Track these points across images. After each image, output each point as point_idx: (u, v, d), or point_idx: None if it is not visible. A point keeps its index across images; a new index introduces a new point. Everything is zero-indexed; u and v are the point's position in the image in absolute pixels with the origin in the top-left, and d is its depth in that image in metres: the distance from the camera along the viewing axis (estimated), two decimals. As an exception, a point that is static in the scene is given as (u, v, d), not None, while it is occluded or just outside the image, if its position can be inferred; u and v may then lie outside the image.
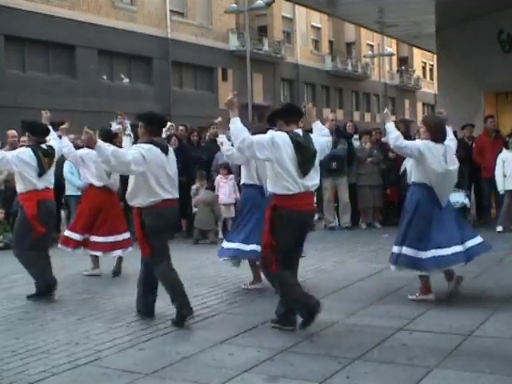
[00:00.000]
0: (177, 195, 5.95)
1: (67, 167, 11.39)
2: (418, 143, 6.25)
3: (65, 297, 7.04)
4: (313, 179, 5.47)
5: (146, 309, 6.08)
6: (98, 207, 8.13)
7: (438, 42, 16.83)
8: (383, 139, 12.07)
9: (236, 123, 5.39)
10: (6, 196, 11.65)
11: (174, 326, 5.64)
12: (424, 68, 58.23)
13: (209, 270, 8.29)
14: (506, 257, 8.58)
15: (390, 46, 47.38)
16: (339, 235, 11.57)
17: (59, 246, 8.32)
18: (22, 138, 12.23)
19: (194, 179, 11.54)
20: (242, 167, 7.20)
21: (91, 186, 8.26)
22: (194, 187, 11.45)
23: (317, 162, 5.51)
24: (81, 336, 5.48)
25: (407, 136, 13.23)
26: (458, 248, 6.16)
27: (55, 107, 24.28)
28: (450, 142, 6.45)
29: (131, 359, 4.84)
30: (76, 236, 8.16)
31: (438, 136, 6.21)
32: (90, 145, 5.79)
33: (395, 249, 6.34)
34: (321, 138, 5.69)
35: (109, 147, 5.60)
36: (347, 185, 12.12)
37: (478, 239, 6.35)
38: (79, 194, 11.60)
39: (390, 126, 6.31)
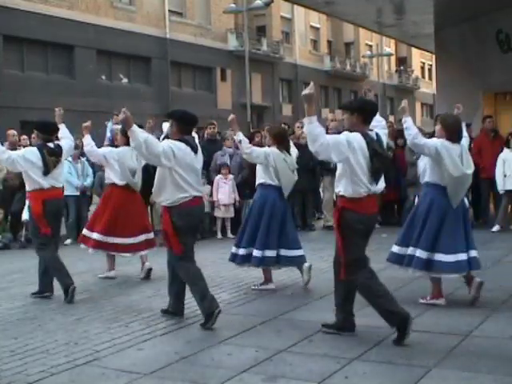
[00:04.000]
0: (201, 193, 5.99)
1: (66, 167, 11.39)
2: (436, 142, 6.02)
3: (64, 297, 7.03)
4: (381, 183, 5.39)
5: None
6: (120, 207, 7.90)
7: (436, 42, 16.85)
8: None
9: (314, 123, 4.91)
10: (5, 196, 11.65)
11: (204, 327, 5.56)
12: (423, 68, 58.23)
13: (208, 270, 8.24)
14: (505, 257, 8.58)
15: (389, 46, 47.41)
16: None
17: (81, 245, 8.17)
18: (22, 137, 12.29)
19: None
20: (259, 167, 7.12)
21: (113, 185, 7.98)
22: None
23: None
24: (79, 336, 5.48)
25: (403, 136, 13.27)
26: (463, 256, 6.05)
27: (53, 107, 24.31)
28: (464, 139, 6.23)
29: (130, 359, 4.84)
30: (96, 236, 7.92)
31: (454, 136, 6.03)
32: (126, 126, 5.63)
33: (409, 250, 6.17)
34: (381, 131, 5.41)
35: (143, 134, 5.58)
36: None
37: (475, 252, 6.22)
38: (77, 194, 11.64)
39: (409, 121, 6.06)
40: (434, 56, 18.88)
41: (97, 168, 11.87)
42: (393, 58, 52.69)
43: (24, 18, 23.82)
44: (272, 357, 4.76)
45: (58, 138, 7.38)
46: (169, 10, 31.12)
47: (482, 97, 15.25)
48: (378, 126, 5.47)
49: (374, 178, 5.14)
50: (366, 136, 5.08)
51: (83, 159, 11.74)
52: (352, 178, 5.07)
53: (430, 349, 4.80)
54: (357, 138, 5.05)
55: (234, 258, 7.26)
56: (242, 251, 7.14)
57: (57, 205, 7.13)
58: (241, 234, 7.25)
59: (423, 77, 57.59)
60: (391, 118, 46.93)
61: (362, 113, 5.15)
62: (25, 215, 11.34)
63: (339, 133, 5.35)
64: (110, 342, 5.28)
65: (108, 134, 12.11)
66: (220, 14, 32.28)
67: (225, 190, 11.30)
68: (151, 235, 8.19)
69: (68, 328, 5.78)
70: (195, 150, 5.81)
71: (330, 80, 44.57)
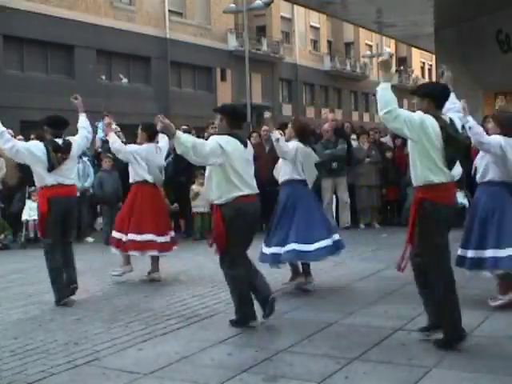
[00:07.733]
0: (257, 190, 5.71)
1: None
2: (500, 140, 5.94)
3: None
4: (457, 168, 5.12)
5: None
6: (151, 203, 7.79)
7: (436, 42, 16.86)
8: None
9: (387, 89, 4.74)
10: (4, 194, 11.65)
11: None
12: (423, 68, 58.26)
13: (208, 270, 8.28)
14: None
15: (389, 46, 47.41)
16: (338, 235, 11.54)
17: (113, 250, 7.95)
18: (18, 137, 12.25)
19: (193, 180, 11.47)
20: (285, 163, 6.94)
21: (142, 182, 7.80)
22: (193, 187, 11.41)
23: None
24: (79, 336, 5.48)
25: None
26: None
27: (53, 107, 24.30)
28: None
29: (130, 359, 4.84)
30: (135, 237, 7.71)
31: (510, 131, 6.00)
32: (169, 134, 5.42)
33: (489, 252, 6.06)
34: (455, 115, 5.25)
35: (188, 138, 5.39)
36: (346, 184, 12.13)
37: None
38: (78, 194, 11.61)
39: (471, 121, 5.98)
40: (433, 56, 18.89)
41: (96, 168, 11.88)
42: (393, 58, 52.70)
43: (24, 18, 23.80)
44: (272, 357, 4.76)
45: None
46: (169, 10, 31.11)
47: (482, 97, 15.24)
48: (452, 108, 5.32)
49: (449, 165, 4.86)
50: (439, 120, 4.83)
51: (85, 159, 11.69)
52: (428, 165, 4.80)
53: (430, 349, 4.79)
54: (430, 120, 4.80)
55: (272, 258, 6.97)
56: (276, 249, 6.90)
57: (64, 203, 6.79)
58: (273, 233, 6.98)
59: (423, 77, 57.55)
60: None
61: (432, 98, 4.91)
62: (25, 215, 11.36)
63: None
64: (109, 341, 5.27)
65: (101, 135, 12.09)
66: (220, 13, 32.27)
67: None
68: (169, 237, 8.01)
69: (68, 328, 5.78)
70: (245, 144, 5.68)
71: (330, 80, 44.58)
